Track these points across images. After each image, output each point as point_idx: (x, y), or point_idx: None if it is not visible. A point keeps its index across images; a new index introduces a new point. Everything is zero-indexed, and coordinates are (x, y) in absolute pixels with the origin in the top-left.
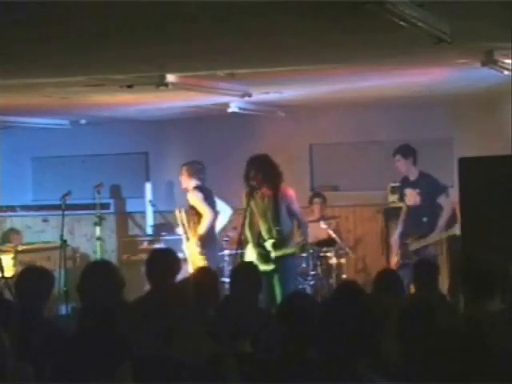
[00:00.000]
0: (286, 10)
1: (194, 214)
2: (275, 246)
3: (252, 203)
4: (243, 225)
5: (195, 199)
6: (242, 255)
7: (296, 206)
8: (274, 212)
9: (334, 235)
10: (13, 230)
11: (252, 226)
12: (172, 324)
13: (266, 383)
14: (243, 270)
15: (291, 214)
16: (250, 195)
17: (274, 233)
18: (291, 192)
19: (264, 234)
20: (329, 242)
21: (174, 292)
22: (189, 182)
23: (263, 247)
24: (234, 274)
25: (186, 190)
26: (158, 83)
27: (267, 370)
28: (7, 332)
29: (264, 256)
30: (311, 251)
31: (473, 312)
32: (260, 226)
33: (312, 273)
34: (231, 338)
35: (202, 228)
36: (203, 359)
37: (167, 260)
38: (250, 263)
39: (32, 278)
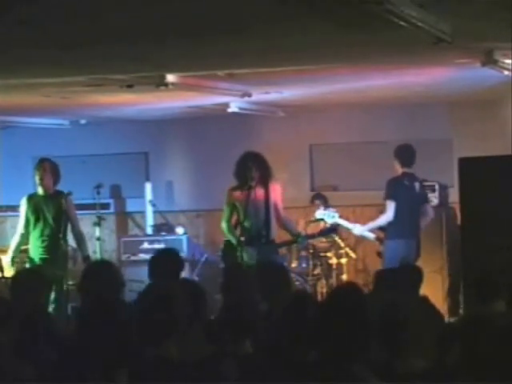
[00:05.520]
0: (285, 10)
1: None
2: (268, 244)
3: (237, 201)
4: (227, 223)
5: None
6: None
7: (280, 203)
8: (266, 210)
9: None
10: None
11: (242, 223)
12: (170, 323)
13: (265, 383)
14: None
15: (276, 210)
16: (241, 192)
17: (264, 231)
18: (278, 188)
19: (255, 232)
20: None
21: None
22: (51, 183)
23: (254, 245)
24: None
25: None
26: (158, 83)
27: (267, 370)
28: (8, 332)
29: (252, 255)
30: (311, 251)
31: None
32: (249, 224)
33: (312, 273)
34: (232, 339)
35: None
36: (202, 359)
37: (170, 260)
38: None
39: (29, 279)
